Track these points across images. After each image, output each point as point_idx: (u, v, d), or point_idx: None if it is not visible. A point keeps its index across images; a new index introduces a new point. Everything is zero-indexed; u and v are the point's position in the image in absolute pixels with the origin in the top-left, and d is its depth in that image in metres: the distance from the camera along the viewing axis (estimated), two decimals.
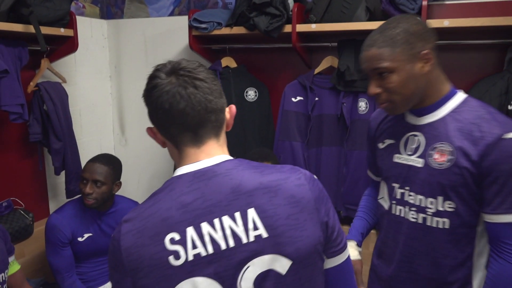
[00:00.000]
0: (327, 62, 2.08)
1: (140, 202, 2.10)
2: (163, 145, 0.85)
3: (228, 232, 0.74)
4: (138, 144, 2.70)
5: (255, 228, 0.75)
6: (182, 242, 0.73)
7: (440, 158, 1.07)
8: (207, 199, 0.75)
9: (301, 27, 1.95)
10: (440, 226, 1.10)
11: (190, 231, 0.74)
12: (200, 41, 2.23)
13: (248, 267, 0.75)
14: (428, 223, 1.11)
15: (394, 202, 1.19)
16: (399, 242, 1.18)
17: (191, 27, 2.14)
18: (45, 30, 1.91)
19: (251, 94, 2.18)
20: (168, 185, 0.79)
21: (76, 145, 2.20)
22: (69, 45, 2.12)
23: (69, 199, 2.07)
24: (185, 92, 0.76)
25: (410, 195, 1.14)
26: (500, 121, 1.03)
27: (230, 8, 2.27)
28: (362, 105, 2.00)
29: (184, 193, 0.76)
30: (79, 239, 1.91)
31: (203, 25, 2.09)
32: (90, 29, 2.50)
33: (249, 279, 0.75)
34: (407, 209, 1.15)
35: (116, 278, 0.78)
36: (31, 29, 1.81)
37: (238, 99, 2.16)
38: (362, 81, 1.94)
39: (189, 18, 2.14)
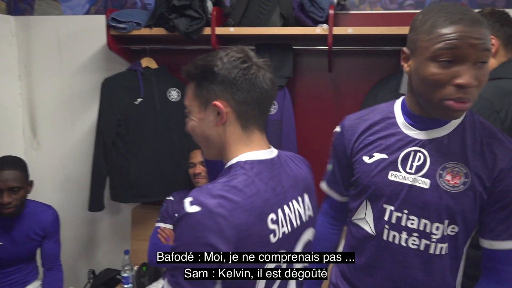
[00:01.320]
0: None
1: (54, 206, 2.04)
2: (221, 122, 0.88)
3: (296, 213, 0.93)
4: (51, 147, 2.57)
5: (308, 209, 0.98)
6: (277, 222, 0.86)
7: (453, 180, 0.96)
8: (283, 185, 0.91)
9: (220, 30, 2.02)
10: (442, 252, 1.00)
11: (280, 213, 0.87)
12: (119, 41, 2.20)
13: (302, 237, 0.95)
14: (431, 251, 1.00)
15: (386, 226, 1.03)
16: (392, 272, 1.04)
17: (109, 27, 2.11)
18: None
19: (173, 94, 2.21)
20: (252, 168, 0.86)
21: None
22: None
23: None
24: (272, 79, 0.90)
25: (411, 219, 1.00)
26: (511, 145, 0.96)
27: (149, 9, 2.27)
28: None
29: (270, 178, 0.88)
30: None
31: (122, 25, 2.07)
32: None
33: (300, 246, 0.94)
34: (404, 235, 1.01)
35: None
36: None
37: (161, 99, 2.18)
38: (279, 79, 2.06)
39: (107, 17, 2.10)
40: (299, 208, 0.93)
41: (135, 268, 2.24)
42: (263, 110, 0.91)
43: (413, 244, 1.00)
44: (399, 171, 1.01)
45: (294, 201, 0.92)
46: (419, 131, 1.00)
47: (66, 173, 2.57)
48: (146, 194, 2.23)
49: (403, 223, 1.01)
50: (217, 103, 0.86)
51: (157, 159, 2.21)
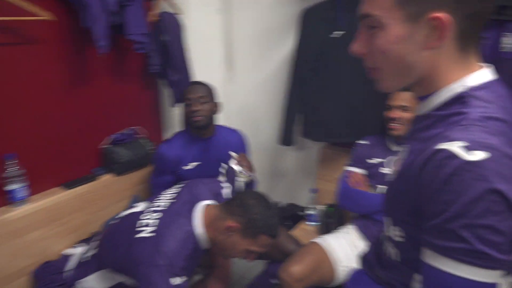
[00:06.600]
0: None
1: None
2: (437, 43, 0.66)
3: None
4: (244, 82, 2.64)
5: None
6: None
7: None
8: None
9: None
10: None
11: None
12: None
13: None
14: None
15: None
16: None
17: None
18: None
19: None
20: (494, 92, 0.68)
21: (191, 78, 2.20)
22: None
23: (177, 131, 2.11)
24: None
25: None
26: None
27: None
28: None
29: None
30: (185, 167, 1.96)
31: None
32: None
33: None
34: None
35: None
36: None
37: None
38: None
39: None
40: None
41: (319, 207, 2.23)
42: (484, 24, 0.67)
43: None
44: None
45: None
46: None
47: (256, 106, 2.64)
48: (337, 135, 2.13)
49: None
50: (440, 15, 0.63)
51: (352, 99, 2.05)
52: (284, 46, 2.38)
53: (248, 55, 2.58)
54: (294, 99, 2.15)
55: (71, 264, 1.56)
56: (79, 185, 1.84)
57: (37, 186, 1.75)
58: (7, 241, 1.57)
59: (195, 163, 1.97)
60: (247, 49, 2.58)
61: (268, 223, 1.36)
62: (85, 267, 1.47)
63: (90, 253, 1.50)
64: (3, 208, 1.62)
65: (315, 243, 1.80)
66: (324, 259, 1.74)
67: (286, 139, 2.26)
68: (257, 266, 1.94)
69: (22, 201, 1.64)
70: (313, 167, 2.46)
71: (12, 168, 1.61)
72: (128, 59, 2.09)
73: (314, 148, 2.45)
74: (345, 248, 1.82)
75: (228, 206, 1.39)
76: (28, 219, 1.64)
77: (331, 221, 2.07)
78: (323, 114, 2.09)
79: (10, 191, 1.61)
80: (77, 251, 1.62)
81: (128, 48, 1.94)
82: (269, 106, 2.55)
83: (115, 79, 2.04)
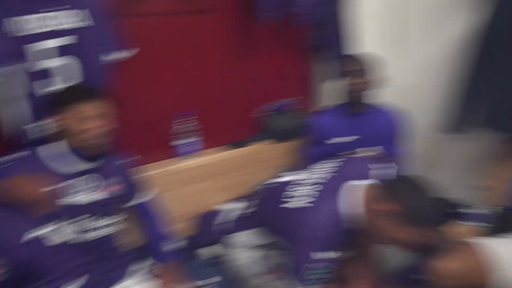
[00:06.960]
0: None
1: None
2: None
3: None
4: (414, 59, 2.42)
5: None
6: None
7: None
8: None
9: None
10: None
11: None
12: None
13: None
14: None
15: None
16: None
17: None
18: None
19: None
20: None
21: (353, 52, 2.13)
22: None
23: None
24: None
25: None
26: None
27: None
28: None
29: None
30: (333, 141, 1.96)
31: None
32: None
33: None
34: None
35: None
36: None
37: None
38: None
39: None
40: None
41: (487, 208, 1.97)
42: None
43: None
44: None
45: None
46: None
47: (424, 85, 2.41)
48: None
49: None
50: None
51: None
52: (461, 22, 2.09)
53: (420, 30, 2.36)
54: (475, 82, 1.88)
55: (221, 218, 1.71)
56: (242, 146, 2.04)
57: (208, 142, 1.99)
58: (175, 188, 1.84)
59: (347, 138, 1.96)
60: (420, 24, 2.35)
61: (423, 213, 1.25)
62: (245, 222, 1.58)
63: (250, 210, 1.61)
64: (177, 158, 1.88)
65: (471, 244, 1.62)
66: (478, 263, 1.57)
67: (455, 126, 2.02)
68: (399, 257, 1.84)
69: (195, 153, 1.89)
70: (477, 161, 2.18)
71: (191, 124, 1.84)
72: (288, 31, 2.11)
73: (482, 141, 2.14)
74: (506, 256, 1.60)
75: (385, 189, 1.31)
76: (197, 171, 1.89)
77: (507, 226, 1.81)
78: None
79: (187, 144, 1.86)
80: (225, 208, 1.76)
81: (289, 20, 1.96)
82: (437, 88, 2.31)
83: (275, 51, 2.12)
